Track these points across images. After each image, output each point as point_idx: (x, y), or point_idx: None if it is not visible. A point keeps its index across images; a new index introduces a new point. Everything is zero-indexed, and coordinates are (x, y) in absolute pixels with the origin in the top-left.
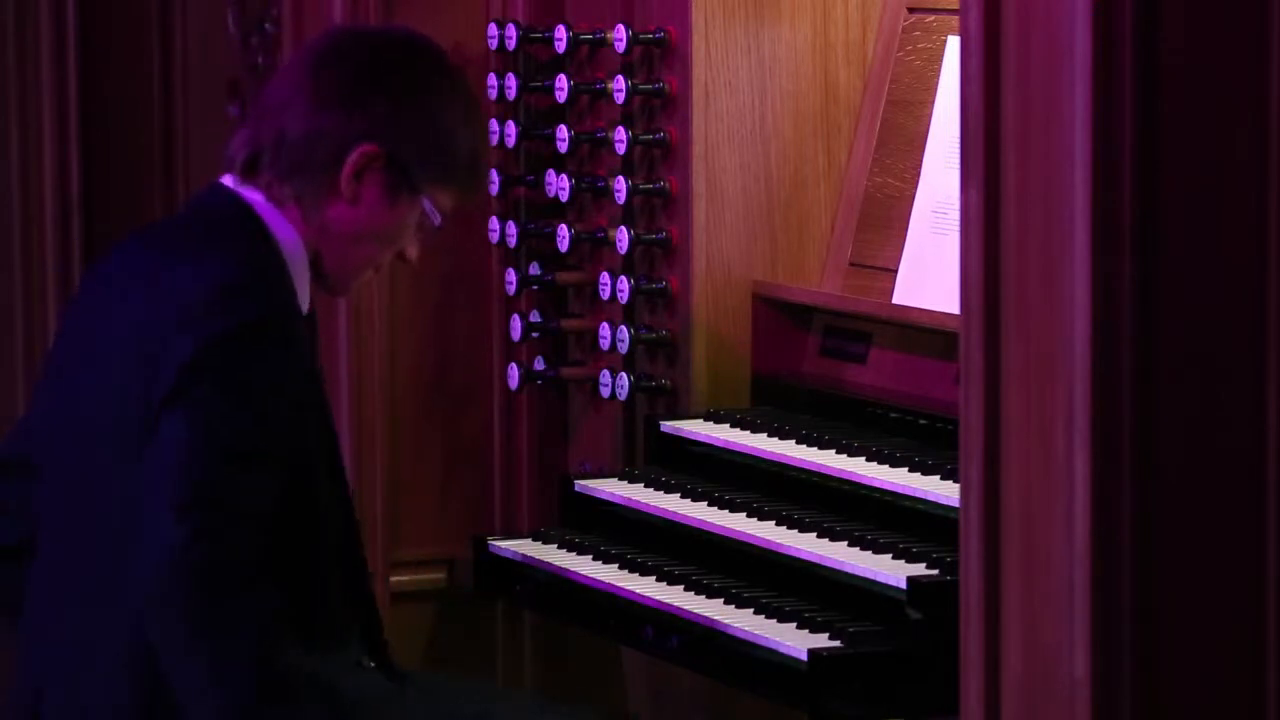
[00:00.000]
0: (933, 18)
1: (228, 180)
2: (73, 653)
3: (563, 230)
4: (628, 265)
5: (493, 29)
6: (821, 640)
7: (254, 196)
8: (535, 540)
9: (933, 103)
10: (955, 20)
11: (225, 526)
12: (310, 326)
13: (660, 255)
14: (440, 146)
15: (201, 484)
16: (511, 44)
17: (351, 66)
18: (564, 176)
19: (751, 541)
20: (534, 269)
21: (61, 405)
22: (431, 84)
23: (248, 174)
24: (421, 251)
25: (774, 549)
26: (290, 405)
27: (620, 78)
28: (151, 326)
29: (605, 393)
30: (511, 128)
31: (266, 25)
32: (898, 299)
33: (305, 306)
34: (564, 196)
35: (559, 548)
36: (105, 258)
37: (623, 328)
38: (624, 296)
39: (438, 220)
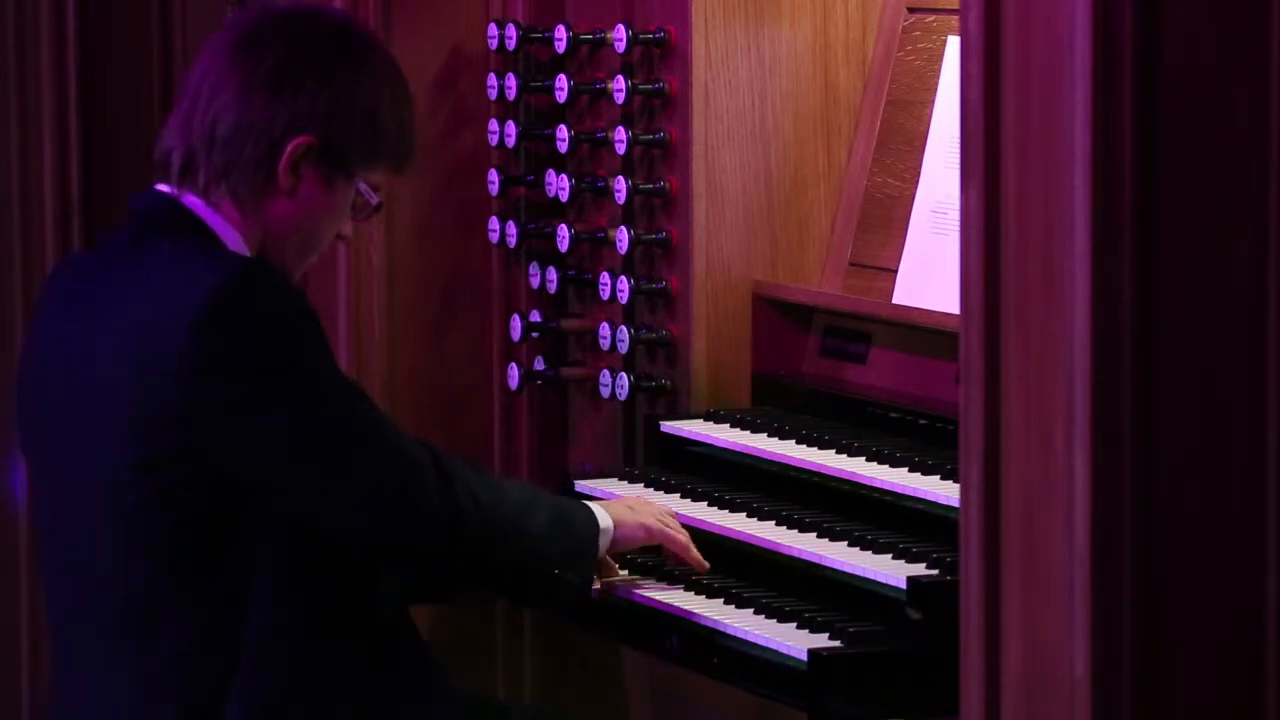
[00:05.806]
0: (933, 18)
1: (164, 188)
2: (98, 684)
3: (563, 230)
4: (628, 265)
5: (493, 29)
6: (821, 640)
7: (193, 202)
8: None
9: (933, 103)
10: (955, 20)
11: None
12: None
13: (660, 255)
14: (369, 126)
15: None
16: (511, 44)
17: (272, 51)
18: (564, 176)
19: (751, 541)
20: (534, 269)
21: (54, 454)
22: (354, 62)
23: (184, 178)
24: (356, 229)
25: (774, 549)
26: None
27: (620, 78)
28: (155, 359)
29: (605, 393)
30: (511, 128)
31: None
32: (898, 299)
33: None
34: (564, 196)
35: None
36: (53, 287)
37: (623, 328)
38: (624, 296)
39: (375, 200)
